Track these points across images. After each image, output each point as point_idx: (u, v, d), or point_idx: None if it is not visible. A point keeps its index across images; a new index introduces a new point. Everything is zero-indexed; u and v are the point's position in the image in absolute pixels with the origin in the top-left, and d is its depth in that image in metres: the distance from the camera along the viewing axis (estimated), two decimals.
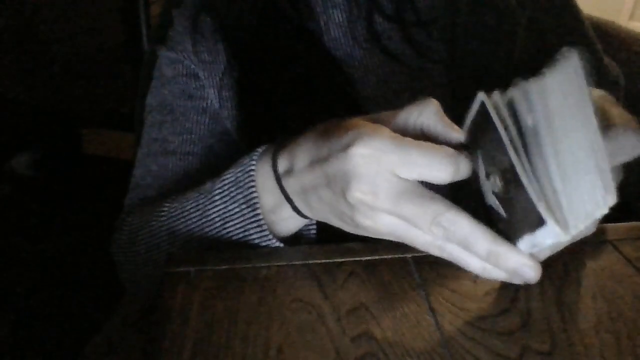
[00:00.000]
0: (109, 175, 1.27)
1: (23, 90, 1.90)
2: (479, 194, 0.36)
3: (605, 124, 0.39)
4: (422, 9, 0.60)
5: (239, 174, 0.45)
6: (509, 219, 0.34)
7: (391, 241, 0.38)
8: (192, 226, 0.49)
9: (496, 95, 0.33)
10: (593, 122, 0.32)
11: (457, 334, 0.35)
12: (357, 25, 0.60)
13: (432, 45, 0.60)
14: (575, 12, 0.65)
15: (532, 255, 0.34)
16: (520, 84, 0.31)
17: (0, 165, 1.84)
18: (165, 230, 0.51)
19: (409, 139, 0.36)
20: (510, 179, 0.32)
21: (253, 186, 0.44)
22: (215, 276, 0.40)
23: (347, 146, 0.36)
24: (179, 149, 0.60)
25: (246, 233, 0.45)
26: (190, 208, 0.49)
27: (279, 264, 0.41)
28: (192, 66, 0.60)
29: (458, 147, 0.36)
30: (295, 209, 0.42)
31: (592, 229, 0.38)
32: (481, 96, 0.33)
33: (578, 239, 0.36)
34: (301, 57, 0.58)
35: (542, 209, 0.30)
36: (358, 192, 0.36)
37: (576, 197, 0.31)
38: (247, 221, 0.45)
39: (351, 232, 0.40)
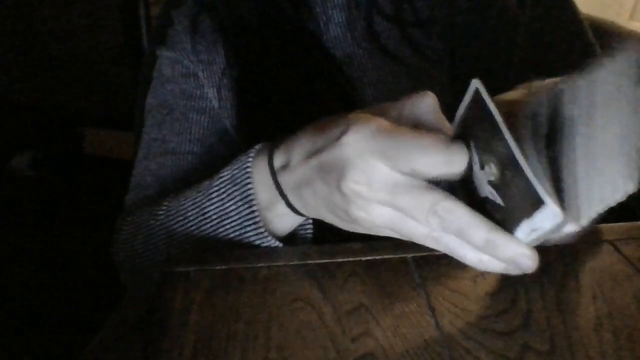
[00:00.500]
0: (109, 175, 1.27)
1: (23, 90, 1.91)
2: (473, 190, 0.35)
3: None
4: (421, 9, 0.60)
5: (236, 171, 0.45)
6: (506, 206, 0.33)
7: (391, 241, 0.38)
8: (190, 225, 0.48)
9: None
10: (635, 115, 0.31)
11: (457, 334, 0.35)
12: (357, 25, 0.60)
13: (431, 45, 0.60)
14: (574, 12, 0.65)
15: (532, 246, 0.33)
16: (570, 77, 0.31)
17: (0, 165, 1.84)
18: (163, 229, 0.51)
19: (403, 127, 0.35)
20: (507, 164, 0.31)
21: (249, 183, 0.44)
22: (215, 276, 0.40)
23: (341, 135, 0.36)
24: (179, 148, 0.60)
25: (243, 231, 0.45)
26: (188, 206, 0.49)
27: (279, 264, 0.41)
28: (192, 66, 0.60)
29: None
30: (290, 205, 0.42)
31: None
32: (475, 82, 0.33)
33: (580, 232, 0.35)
34: (301, 57, 0.58)
35: (540, 189, 0.30)
36: (352, 182, 0.35)
37: (595, 183, 0.31)
38: (244, 218, 0.45)
39: (345, 228, 0.39)
